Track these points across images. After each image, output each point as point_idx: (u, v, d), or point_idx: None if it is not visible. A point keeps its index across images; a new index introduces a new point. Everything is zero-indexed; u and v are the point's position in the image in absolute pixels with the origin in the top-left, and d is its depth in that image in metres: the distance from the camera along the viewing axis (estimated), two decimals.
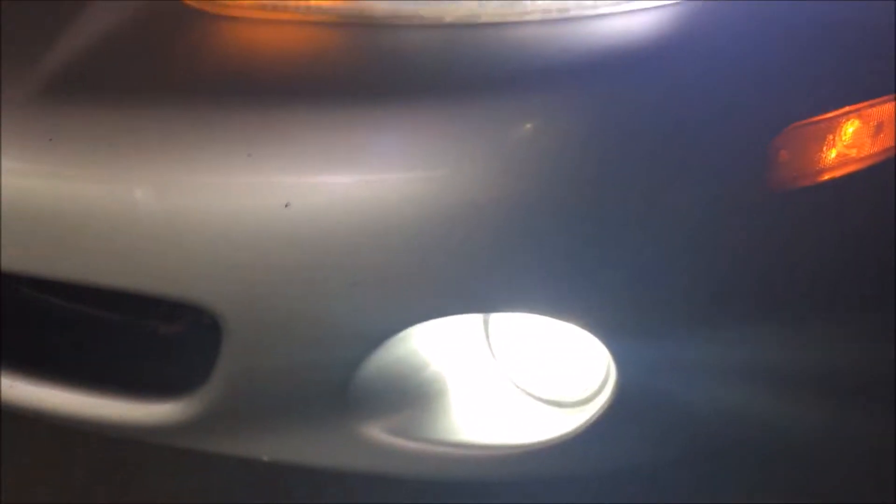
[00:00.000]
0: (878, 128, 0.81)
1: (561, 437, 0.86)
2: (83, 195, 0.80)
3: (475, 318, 0.87)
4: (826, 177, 0.80)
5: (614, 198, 0.75)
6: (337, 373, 0.85)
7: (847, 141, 0.80)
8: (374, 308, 0.79)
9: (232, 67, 0.79)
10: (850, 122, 0.80)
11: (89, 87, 0.81)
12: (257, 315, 0.80)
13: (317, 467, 0.92)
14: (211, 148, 0.77)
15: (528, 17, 0.75)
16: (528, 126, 0.74)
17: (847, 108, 0.79)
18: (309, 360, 0.83)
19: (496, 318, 0.87)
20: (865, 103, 0.79)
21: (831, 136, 0.79)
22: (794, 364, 0.87)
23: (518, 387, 0.91)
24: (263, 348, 0.82)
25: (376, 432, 0.88)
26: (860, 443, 0.94)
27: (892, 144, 0.82)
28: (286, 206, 0.75)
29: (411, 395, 0.89)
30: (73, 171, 0.81)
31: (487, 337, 0.89)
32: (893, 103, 0.81)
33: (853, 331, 0.90)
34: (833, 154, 0.79)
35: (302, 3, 0.80)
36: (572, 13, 0.75)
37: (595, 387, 0.86)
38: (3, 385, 0.95)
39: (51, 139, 0.79)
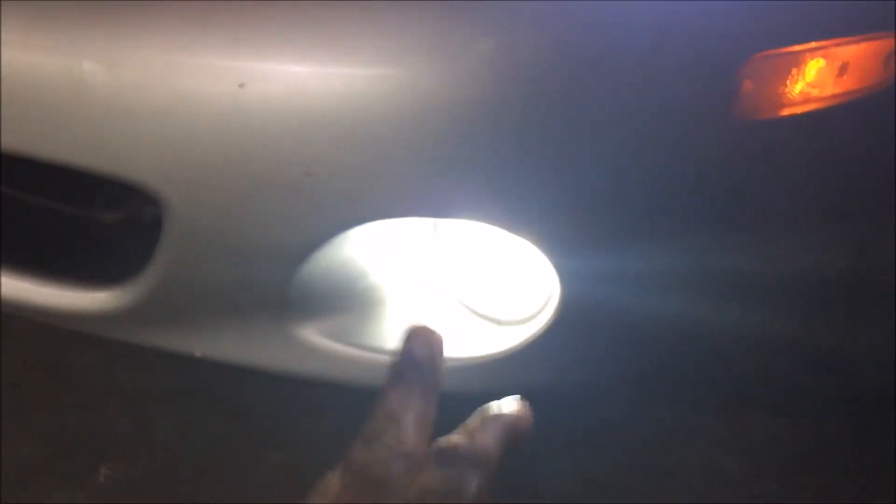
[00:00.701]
0: (843, 69, 0.81)
1: (501, 352, 0.86)
2: (30, 64, 0.77)
3: (424, 230, 0.86)
4: (787, 112, 0.80)
5: (571, 115, 0.74)
6: (279, 270, 0.83)
7: (811, 79, 0.80)
8: (324, 201, 0.77)
9: None
10: (815, 60, 0.80)
11: None
12: (202, 200, 0.78)
13: (250, 367, 0.90)
14: (164, 25, 0.74)
15: None
16: (492, 37, 0.72)
17: (814, 44, 0.78)
18: (251, 253, 0.81)
19: (445, 231, 0.86)
20: (832, 41, 0.79)
21: (796, 71, 0.79)
22: (739, 278, 0.87)
23: (461, 302, 0.91)
24: (205, 237, 0.80)
25: (312, 334, 0.87)
26: (805, 352, 0.94)
27: (856, 87, 0.83)
28: (241, 86, 0.73)
29: (351, 301, 0.88)
30: (19, 38, 0.78)
31: (434, 250, 0.88)
32: (859, 45, 0.81)
33: (799, 244, 0.89)
34: (797, 90, 0.79)
35: None
36: None
37: (539, 305, 0.86)
38: None
39: None
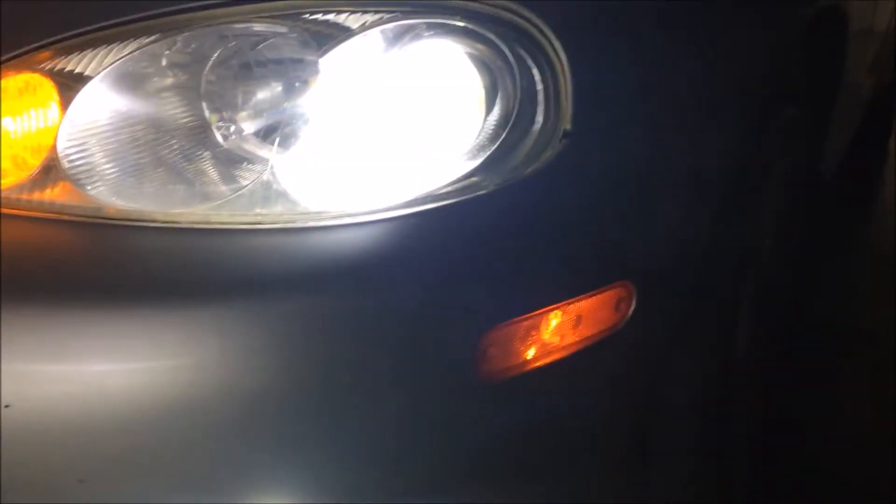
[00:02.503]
0: (578, 320, 0.92)
1: None
2: None
3: None
4: (532, 366, 0.89)
5: (337, 397, 0.81)
6: None
7: (550, 333, 0.90)
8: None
9: None
10: (553, 314, 0.90)
11: None
12: None
13: None
14: None
15: (258, 226, 0.81)
16: (257, 330, 0.78)
17: (550, 307, 0.88)
18: None
19: None
20: (566, 301, 0.90)
21: (535, 332, 0.88)
22: None
23: None
24: None
25: None
26: None
27: (593, 332, 0.93)
28: (6, 407, 0.75)
29: None
30: None
31: None
32: (591, 298, 0.92)
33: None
34: (538, 346, 0.89)
35: (35, 198, 0.81)
36: (298, 224, 0.81)
37: None
38: None
39: None
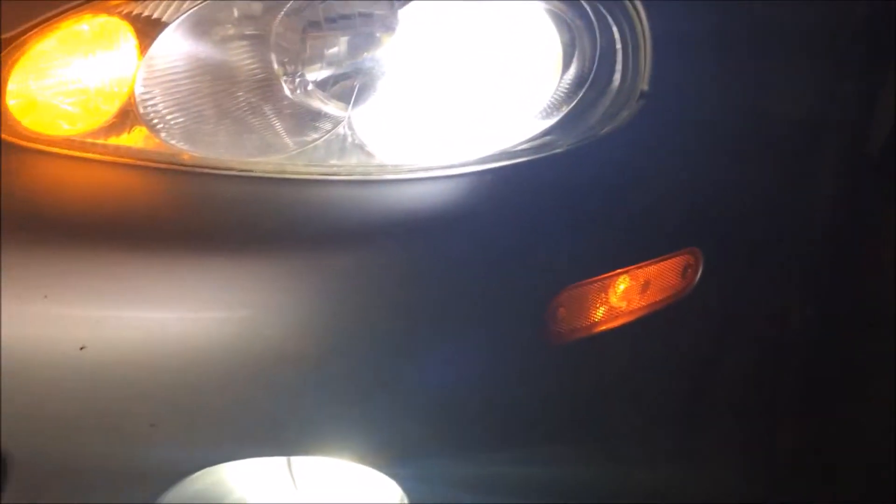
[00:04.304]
0: (646, 285, 0.91)
1: None
2: None
3: (278, 469, 0.90)
4: (599, 329, 0.88)
5: (407, 350, 0.80)
6: None
7: (618, 297, 0.89)
8: (171, 450, 0.80)
9: (37, 204, 0.78)
10: (621, 279, 0.89)
11: None
12: (47, 455, 0.79)
13: None
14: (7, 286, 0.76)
15: (333, 177, 0.80)
16: (330, 280, 0.78)
17: (619, 270, 0.88)
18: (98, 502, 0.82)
19: (299, 469, 0.90)
20: (635, 266, 0.89)
21: (604, 295, 0.87)
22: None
23: None
24: (50, 493, 0.81)
25: None
26: None
27: (659, 298, 0.92)
28: (81, 349, 0.75)
29: None
30: None
31: (291, 474, 0.91)
32: (659, 265, 0.91)
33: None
34: (604, 310, 0.88)
35: (111, 143, 0.81)
36: (373, 176, 0.80)
37: None
38: None
39: None
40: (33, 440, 0.78)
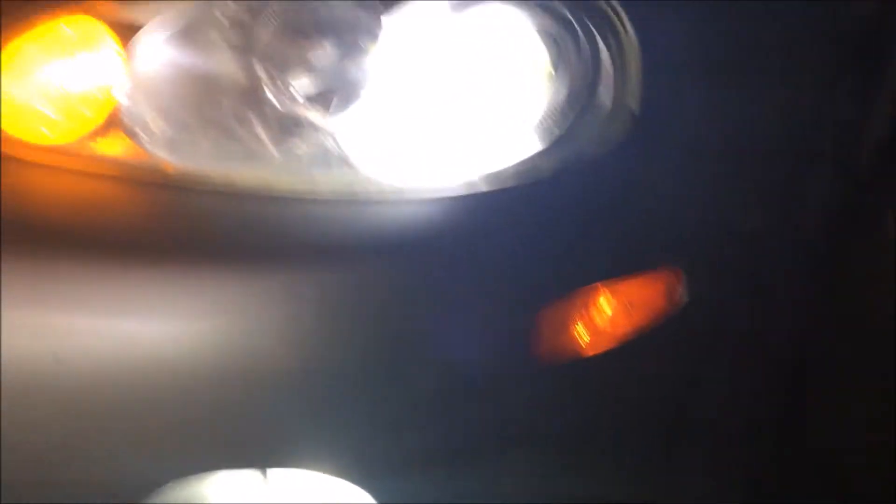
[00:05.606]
0: (630, 306, 0.90)
1: None
2: None
3: (254, 480, 0.89)
4: (583, 349, 0.88)
5: (387, 366, 0.80)
6: None
7: (603, 315, 0.88)
8: (147, 460, 0.79)
9: (9, 212, 0.77)
10: (606, 300, 0.88)
11: None
12: (18, 468, 0.78)
13: None
14: None
15: (315, 193, 0.79)
16: (309, 296, 0.77)
17: (603, 291, 0.87)
18: None
19: (275, 480, 0.90)
20: (619, 286, 0.88)
21: (587, 315, 0.87)
22: None
23: None
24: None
25: None
26: None
27: (642, 319, 0.92)
28: (55, 358, 0.75)
29: None
30: None
31: (267, 485, 0.91)
32: (642, 286, 0.90)
33: None
34: (588, 331, 0.87)
35: (95, 152, 0.80)
36: (356, 193, 0.79)
37: None
38: None
39: None
40: (5, 451, 0.77)
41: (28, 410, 0.76)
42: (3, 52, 0.79)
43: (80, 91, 0.81)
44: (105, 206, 0.79)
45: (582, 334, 0.87)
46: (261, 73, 0.81)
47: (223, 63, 0.82)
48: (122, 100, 0.79)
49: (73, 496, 0.81)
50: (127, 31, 0.80)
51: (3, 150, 0.78)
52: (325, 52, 0.82)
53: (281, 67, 0.81)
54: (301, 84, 0.81)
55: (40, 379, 0.74)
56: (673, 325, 0.92)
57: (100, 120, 0.80)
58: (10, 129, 0.79)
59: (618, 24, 0.83)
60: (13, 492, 0.80)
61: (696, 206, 0.91)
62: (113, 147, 0.80)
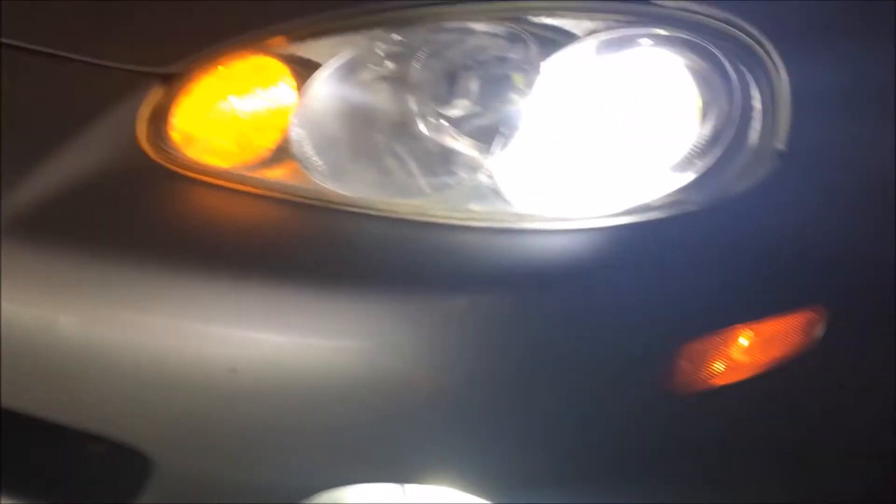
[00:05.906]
0: (769, 341, 0.91)
1: None
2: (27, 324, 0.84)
3: (393, 495, 0.93)
4: (720, 382, 0.89)
5: (524, 390, 0.83)
6: None
7: (738, 352, 0.89)
8: (297, 470, 0.84)
9: (188, 230, 0.84)
10: (745, 335, 0.89)
11: (51, 229, 0.85)
12: (190, 463, 0.84)
13: None
14: (161, 307, 0.82)
15: (470, 223, 0.83)
16: (455, 321, 0.80)
17: (742, 326, 0.88)
18: None
19: (414, 496, 0.93)
20: (758, 321, 0.89)
21: (725, 349, 0.88)
22: None
23: None
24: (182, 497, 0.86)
25: None
26: None
27: (780, 355, 0.92)
28: (232, 371, 0.80)
29: None
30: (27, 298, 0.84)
31: (405, 500, 0.95)
32: (784, 319, 0.91)
33: None
34: (725, 364, 0.89)
35: (266, 177, 0.86)
36: (509, 224, 0.83)
37: None
38: None
39: None
40: (177, 448, 0.84)
41: (202, 418, 0.82)
42: (189, 84, 0.86)
43: (254, 122, 0.87)
44: (272, 226, 0.85)
45: (719, 366, 0.88)
46: (414, 105, 0.86)
47: (380, 96, 0.87)
48: (293, 131, 0.85)
49: (228, 496, 0.87)
50: (302, 68, 0.86)
51: (187, 173, 0.85)
52: (480, 88, 0.86)
53: (435, 103, 0.86)
54: (456, 120, 0.85)
55: (215, 388, 0.80)
56: (810, 362, 0.93)
57: (272, 148, 0.86)
58: (194, 155, 0.86)
59: (769, 63, 0.85)
60: (175, 486, 0.86)
61: (837, 244, 0.91)
62: (283, 173, 0.86)
